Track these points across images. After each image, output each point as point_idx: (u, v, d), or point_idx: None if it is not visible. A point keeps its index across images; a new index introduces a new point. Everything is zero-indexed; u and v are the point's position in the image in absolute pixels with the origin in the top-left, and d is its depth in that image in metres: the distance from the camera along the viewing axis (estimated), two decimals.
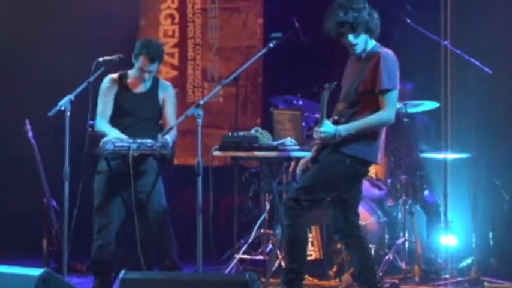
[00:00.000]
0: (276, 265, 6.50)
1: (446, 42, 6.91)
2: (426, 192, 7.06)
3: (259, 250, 7.04)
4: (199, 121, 5.36)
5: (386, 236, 6.87)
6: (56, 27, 8.21)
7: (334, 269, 6.62)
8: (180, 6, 8.65)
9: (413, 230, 6.84)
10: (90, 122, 5.95)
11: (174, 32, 8.67)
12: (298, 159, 5.62)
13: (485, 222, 6.93)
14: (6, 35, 8.28)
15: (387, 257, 6.66)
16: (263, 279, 6.13)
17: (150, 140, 5.72)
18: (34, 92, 8.01)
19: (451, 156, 6.78)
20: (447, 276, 6.60)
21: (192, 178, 5.52)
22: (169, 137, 5.78)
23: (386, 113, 5.09)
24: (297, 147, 5.96)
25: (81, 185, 5.61)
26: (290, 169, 6.04)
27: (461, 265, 6.79)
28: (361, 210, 6.69)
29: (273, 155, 5.99)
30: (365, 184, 6.93)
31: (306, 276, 6.41)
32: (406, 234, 6.72)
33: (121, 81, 6.04)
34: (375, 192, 7.13)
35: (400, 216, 6.85)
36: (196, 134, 5.39)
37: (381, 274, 6.48)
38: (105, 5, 8.16)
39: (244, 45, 8.50)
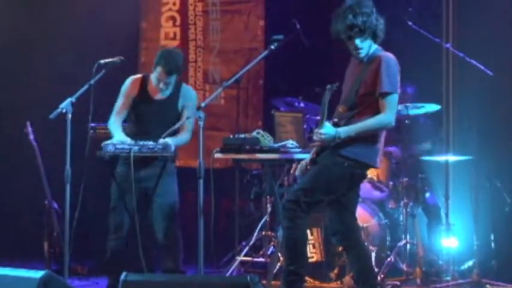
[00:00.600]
0: (277, 267, 6.49)
1: (448, 45, 6.91)
2: (427, 195, 7.06)
3: (261, 252, 7.03)
4: (201, 123, 5.36)
5: (388, 238, 6.88)
6: (58, 29, 8.20)
7: (336, 271, 6.64)
8: (181, 9, 8.64)
9: (415, 232, 6.83)
10: (92, 124, 5.95)
11: (175, 34, 8.66)
12: (299, 161, 5.62)
13: (486, 224, 6.93)
14: (8, 37, 8.27)
15: (388, 259, 6.65)
16: (264, 282, 6.13)
17: (151, 142, 5.71)
18: (35, 94, 7.99)
19: (452, 158, 6.78)
20: (448, 278, 6.59)
21: (193, 180, 5.52)
22: (176, 140, 5.77)
23: (386, 116, 5.09)
24: (299, 150, 5.96)
25: (83, 187, 5.60)
26: (291, 171, 6.05)
27: (462, 267, 6.79)
28: (363, 212, 6.74)
29: (274, 157, 5.99)
30: (366, 186, 6.94)
31: (307, 278, 6.43)
32: (408, 237, 6.71)
33: (142, 85, 5.99)
34: (377, 194, 7.13)
35: (401, 218, 6.84)
36: (197, 136, 5.40)
37: (382, 276, 6.49)
38: (106, 7, 8.16)
39: (246, 47, 8.50)
